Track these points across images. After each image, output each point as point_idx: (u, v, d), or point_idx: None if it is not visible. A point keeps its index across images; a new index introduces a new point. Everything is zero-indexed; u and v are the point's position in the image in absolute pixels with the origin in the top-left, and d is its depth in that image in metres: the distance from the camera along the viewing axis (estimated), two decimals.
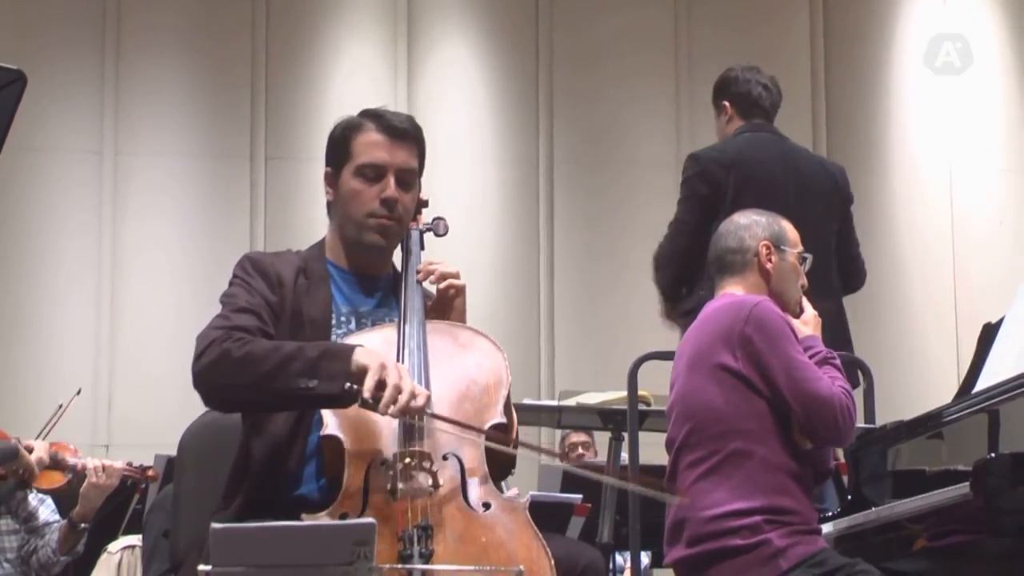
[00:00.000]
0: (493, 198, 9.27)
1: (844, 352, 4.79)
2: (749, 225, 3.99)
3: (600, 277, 9.20)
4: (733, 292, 3.90)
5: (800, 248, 4.01)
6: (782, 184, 5.08)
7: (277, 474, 3.02)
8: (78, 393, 6.02)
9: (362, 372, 2.83)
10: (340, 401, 2.87)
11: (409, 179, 3.21)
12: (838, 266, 5.25)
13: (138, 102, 8.95)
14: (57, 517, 5.70)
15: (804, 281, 4.04)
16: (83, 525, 5.57)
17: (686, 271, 5.11)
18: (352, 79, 9.08)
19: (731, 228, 4.01)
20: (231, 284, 3.17)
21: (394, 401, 2.80)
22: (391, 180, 3.17)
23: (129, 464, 5.61)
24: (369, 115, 3.24)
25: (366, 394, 2.81)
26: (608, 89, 9.41)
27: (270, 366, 2.90)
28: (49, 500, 5.75)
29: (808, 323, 3.97)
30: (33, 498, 5.70)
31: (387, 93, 8.96)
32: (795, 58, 9.41)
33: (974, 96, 9.70)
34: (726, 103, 5.34)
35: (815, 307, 4.85)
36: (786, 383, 3.67)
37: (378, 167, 3.18)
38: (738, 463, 3.64)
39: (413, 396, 2.82)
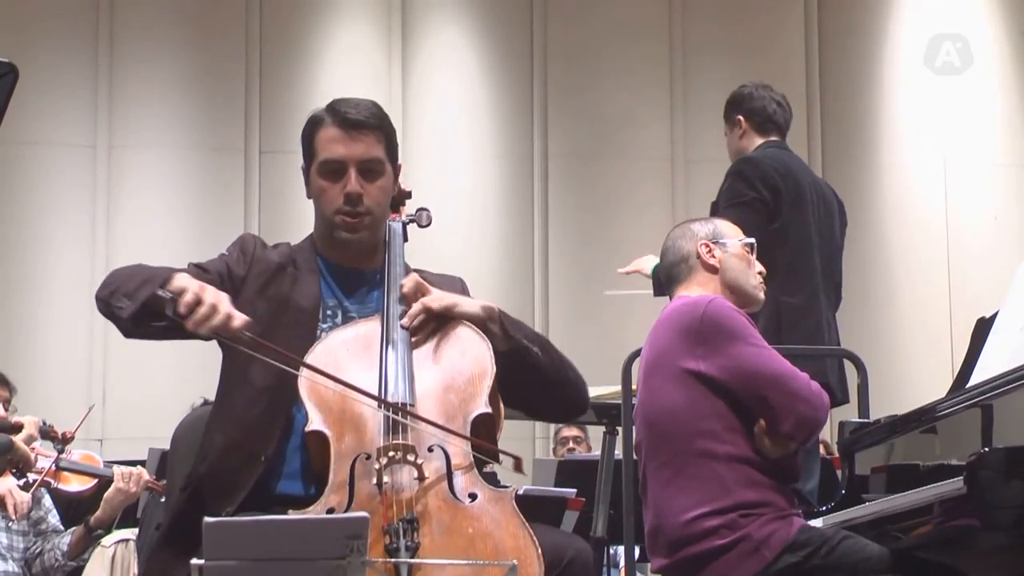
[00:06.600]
0: (488, 190, 9.26)
1: (839, 348, 4.78)
2: (684, 234, 3.98)
3: (594, 269, 9.19)
4: (686, 295, 3.90)
5: (741, 237, 3.99)
6: (811, 199, 5.17)
7: (244, 460, 3.00)
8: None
9: (181, 290, 2.84)
10: (155, 307, 2.85)
11: (374, 167, 3.16)
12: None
13: (132, 95, 8.94)
14: (62, 527, 5.73)
15: (760, 267, 4.01)
16: (99, 531, 5.59)
17: None
18: (346, 72, 9.07)
19: (669, 244, 4.01)
20: None
21: (208, 317, 2.80)
22: (352, 174, 3.13)
23: (153, 479, 5.62)
24: (329, 108, 3.19)
25: (182, 309, 2.81)
26: (603, 81, 9.41)
27: (119, 283, 2.96)
28: (55, 509, 5.77)
29: None
30: (46, 501, 5.72)
31: (382, 86, 8.96)
32: (789, 51, 9.40)
33: (968, 91, 9.70)
34: (740, 118, 5.35)
35: (827, 316, 4.90)
36: (751, 371, 3.64)
37: (337, 162, 3.14)
38: (704, 463, 3.62)
39: (229, 318, 2.82)
